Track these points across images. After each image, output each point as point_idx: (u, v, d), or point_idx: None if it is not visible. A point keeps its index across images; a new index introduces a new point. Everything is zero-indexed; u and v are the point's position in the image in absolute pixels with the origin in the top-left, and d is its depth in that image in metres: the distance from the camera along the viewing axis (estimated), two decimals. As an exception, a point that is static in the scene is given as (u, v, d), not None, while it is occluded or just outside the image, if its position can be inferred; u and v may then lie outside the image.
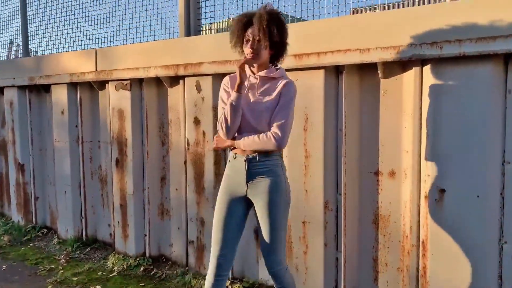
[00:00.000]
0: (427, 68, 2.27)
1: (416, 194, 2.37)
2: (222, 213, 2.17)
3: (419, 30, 2.21)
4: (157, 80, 3.47)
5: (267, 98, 2.10)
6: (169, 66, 3.21)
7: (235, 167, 2.17)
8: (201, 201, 3.20)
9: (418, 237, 2.38)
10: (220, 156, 3.09)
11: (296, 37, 2.60)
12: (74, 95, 4.05)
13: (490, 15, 2.02)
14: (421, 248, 2.35)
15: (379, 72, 2.43)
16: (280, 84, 2.10)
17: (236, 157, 2.18)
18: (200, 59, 3.04)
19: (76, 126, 4.07)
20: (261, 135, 2.05)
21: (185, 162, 3.31)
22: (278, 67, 2.20)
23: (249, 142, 2.07)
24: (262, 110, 2.09)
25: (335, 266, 2.69)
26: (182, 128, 3.34)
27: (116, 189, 3.74)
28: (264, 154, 2.11)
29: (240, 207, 2.18)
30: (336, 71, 2.59)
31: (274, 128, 2.04)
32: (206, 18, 3.27)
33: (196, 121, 3.18)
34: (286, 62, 2.62)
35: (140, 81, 3.55)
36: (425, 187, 2.30)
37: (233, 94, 2.07)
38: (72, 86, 4.04)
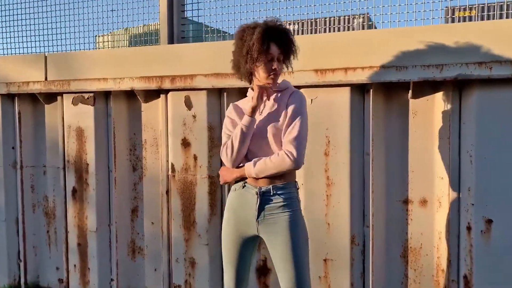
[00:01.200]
0: (469, 90, 2.11)
1: (456, 224, 2.19)
2: (232, 255, 1.89)
3: (465, 49, 2.04)
4: (129, 94, 2.91)
5: (274, 116, 1.82)
6: (150, 78, 2.68)
7: (244, 199, 1.84)
8: (191, 238, 2.70)
9: (458, 271, 2.19)
10: (216, 184, 2.64)
11: (319, 49, 2.31)
12: (11, 109, 3.27)
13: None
14: (462, 283, 2.16)
15: (410, 91, 2.22)
16: (285, 96, 1.84)
17: (245, 186, 1.83)
18: (190, 71, 2.58)
19: (13, 148, 3.28)
20: (272, 157, 1.76)
21: (167, 192, 2.79)
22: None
23: (262, 167, 1.76)
24: (271, 130, 1.80)
25: (360, 307, 2.40)
26: (162, 150, 2.81)
27: (72, 225, 3.05)
28: (281, 186, 1.79)
29: (250, 245, 1.91)
30: (361, 89, 2.33)
31: (286, 145, 1.75)
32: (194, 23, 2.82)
33: (185, 143, 2.69)
34: (305, 77, 2.32)
35: (107, 94, 2.95)
36: (468, 217, 2.13)
37: (246, 118, 1.81)
38: (8, 98, 3.26)
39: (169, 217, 2.80)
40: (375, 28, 2.86)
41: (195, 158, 2.66)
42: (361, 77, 2.23)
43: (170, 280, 2.81)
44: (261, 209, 1.80)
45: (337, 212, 2.35)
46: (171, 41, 2.80)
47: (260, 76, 1.81)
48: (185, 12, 2.81)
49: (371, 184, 2.30)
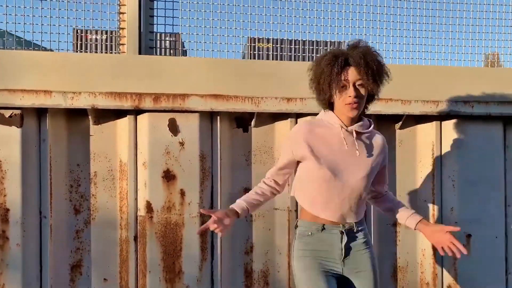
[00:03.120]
0: (449, 123, 2.45)
1: (439, 241, 2.47)
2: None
3: (455, 89, 2.37)
4: (70, 112, 2.21)
5: (370, 157, 1.73)
6: (123, 95, 2.11)
7: (325, 241, 1.70)
8: (175, 291, 2.21)
9: (442, 283, 2.48)
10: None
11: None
12: None
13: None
14: (447, 293, 2.46)
15: (400, 123, 2.43)
16: (377, 139, 1.79)
17: (325, 228, 1.69)
18: (180, 89, 2.16)
19: None
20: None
21: (135, 238, 2.22)
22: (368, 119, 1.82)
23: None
24: (368, 172, 1.70)
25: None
26: (126, 186, 2.24)
27: (-24, 301, 2.07)
28: (360, 221, 1.75)
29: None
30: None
31: (386, 188, 1.90)
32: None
33: (168, 176, 2.20)
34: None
35: (39, 112, 2.16)
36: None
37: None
38: None
39: (138, 270, 2.22)
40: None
41: (182, 194, 2.21)
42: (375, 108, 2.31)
43: None
44: (347, 247, 1.69)
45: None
46: (139, 51, 2.28)
47: None
48: (156, 17, 2.33)
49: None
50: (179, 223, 2.21)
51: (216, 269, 2.27)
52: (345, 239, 1.68)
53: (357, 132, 1.69)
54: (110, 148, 2.27)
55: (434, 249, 2.45)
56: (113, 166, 2.28)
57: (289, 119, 2.31)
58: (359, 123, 1.70)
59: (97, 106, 2.09)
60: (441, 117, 2.41)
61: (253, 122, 2.32)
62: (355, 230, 1.70)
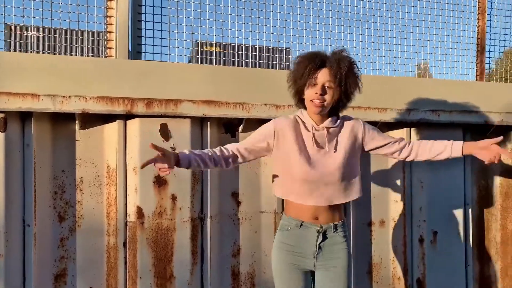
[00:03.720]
0: (418, 129, 2.67)
1: (409, 238, 2.69)
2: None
3: (419, 98, 2.60)
4: (55, 117, 2.14)
5: (341, 149, 1.81)
6: (115, 99, 2.08)
7: (302, 237, 1.82)
8: (166, 296, 2.21)
9: (412, 276, 2.69)
10: (197, 228, 2.28)
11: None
12: None
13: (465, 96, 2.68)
14: (416, 286, 2.67)
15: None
16: (347, 126, 1.86)
17: (302, 225, 1.82)
18: (172, 95, 2.17)
19: None
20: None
21: (124, 244, 2.20)
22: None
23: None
24: (340, 163, 1.79)
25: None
26: (115, 192, 2.21)
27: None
28: (340, 221, 1.87)
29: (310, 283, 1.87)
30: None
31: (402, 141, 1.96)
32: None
33: (159, 181, 2.20)
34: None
35: (23, 116, 2.07)
36: (420, 231, 2.67)
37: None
38: None
39: (127, 277, 2.20)
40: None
41: (174, 199, 2.22)
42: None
43: None
44: (322, 245, 1.80)
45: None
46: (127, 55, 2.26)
47: None
48: (144, 22, 2.33)
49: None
50: (170, 228, 2.22)
51: (206, 272, 2.30)
52: (321, 237, 1.78)
53: (327, 128, 1.80)
54: (97, 153, 2.23)
55: (405, 246, 2.66)
56: (100, 171, 2.23)
57: (275, 125, 2.40)
58: (328, 119, 1.81)
59: (88, 110, 2.05)
60: (412, 124, 2.63)
61: (241, 128, 2.38)
62: (333, 230, 1.81)
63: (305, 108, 1.84)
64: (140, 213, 2.18)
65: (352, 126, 1.86)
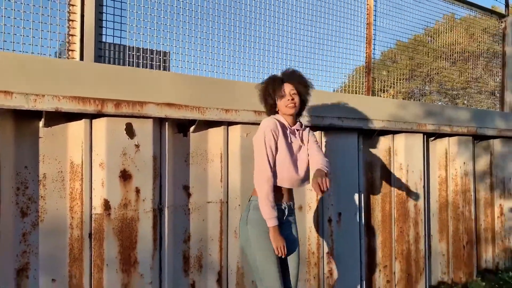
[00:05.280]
0: (327, 132, 3.35)
1: (321, 219, 3.34)
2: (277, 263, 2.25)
3: (331, 106, 3.28)
4: (17, 113, 2.20)
5: (306, 146, 2.42)
6: (86, 99, 2.23)
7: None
8: (130, 281, 2.40)
9: (323, 250, 3.34)
10: (157, 218, 2.54)
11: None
12: None
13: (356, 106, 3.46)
14: (326, 257, 3.33)
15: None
16: (306, 132, 2.46)
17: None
18: (137, 97, 2.41)
19: None
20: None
21: (90, 235, 2.34)
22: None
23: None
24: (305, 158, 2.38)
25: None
26: (80, 186, 2.34)
27: None
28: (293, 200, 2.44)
29: None
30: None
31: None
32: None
33: (125, 175, 2.40)
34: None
35: (-11, 112, 2.08)
36: (329, 213, 3.34)
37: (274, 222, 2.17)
38: None
39: (92, 266, 2.34)
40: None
41: (138, 191, 2.44)
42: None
43: None
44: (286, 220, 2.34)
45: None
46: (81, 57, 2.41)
47: None
48: (104, 28, 2.50)
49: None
50: (134, 218, 2.44)
51: (164, 257, 2.57)
52: (286, 212, 2.31)
53: (297, 130, 2.36)
54: (58, 150, 2.33)
55: (317, 226, 3.30)
56: (63, 167, 2.34)
57: (222, 126, 2.80)
58: (298, 123, 2.38)
59: (61, 109, 2.17)
60: (324, 128, 3.29)
61: (192, 128, 2.72)
62: (292, 207, 2.37)
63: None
64: (107, 205, 2.36)
65: (308, 130, 2.45)
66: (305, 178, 2.36)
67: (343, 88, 4.01)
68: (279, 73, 2.38)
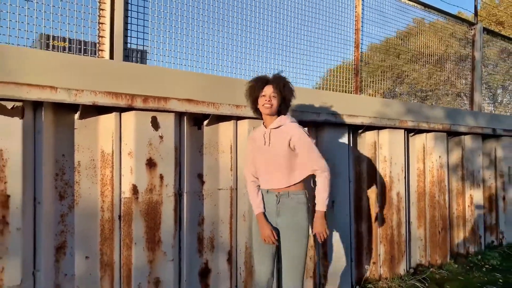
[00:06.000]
0: (320, 128, 3.71)
1: (316, 206, 3.68)
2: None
3: (328, 106, 3.64)
4: (57, 107, 2.44)
5: (278, 144, 2.57)
6: (119, 95, 2.50)
7: (267, 201, 2.59)
8: (155, 258, 2.68)
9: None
10: (177, 202, 2.82)
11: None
12: None
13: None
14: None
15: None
16: (286, 130, 2.55)
17: (268, 192, 2.63)
18: (162, 93, 2.68)
19: None
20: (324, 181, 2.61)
21: (119, 217, 2.60)
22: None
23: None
24: (277, 154, 2.57)
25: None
26: (110, 173, 2.60)
27: (-27, 288, 2.07)
28: (295, 189, 2.73)
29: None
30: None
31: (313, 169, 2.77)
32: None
33: (150, 163, 2.68)
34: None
35: (35, 105, 2.31)
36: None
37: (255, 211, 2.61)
38: None
39: (122, 244, 2.61)
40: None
41: (161, 178, 2.72)
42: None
43: (124, 313, 2.60)
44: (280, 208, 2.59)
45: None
46: (111, 56, 2.67)
47: None
48: (129, 31, 2.76)
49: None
50: (159, 202, 2.71)
51: (183, 237, 2.86)
52: (279, 200, 2.56)
53: (272, 129, 2.58)
54: (91, 140, 2.58)
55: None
56: (95, 156, 2.59)
57: (232, 120, 3.11)
58: (274, 122, 2.58)
59: (97, 103, 2.43)
60: (319, 123, 3.65)
61: (206, 122, 3.02)
62: (288, 196, 2.57)
63: (260, 114, 2.64)
64: (135, 190, 2.63)
65: (290, 130, 2.54)
66: (274, 177, 2.57)
67: (328, 86, 4.39)
68: (267, 75, 2.63)
